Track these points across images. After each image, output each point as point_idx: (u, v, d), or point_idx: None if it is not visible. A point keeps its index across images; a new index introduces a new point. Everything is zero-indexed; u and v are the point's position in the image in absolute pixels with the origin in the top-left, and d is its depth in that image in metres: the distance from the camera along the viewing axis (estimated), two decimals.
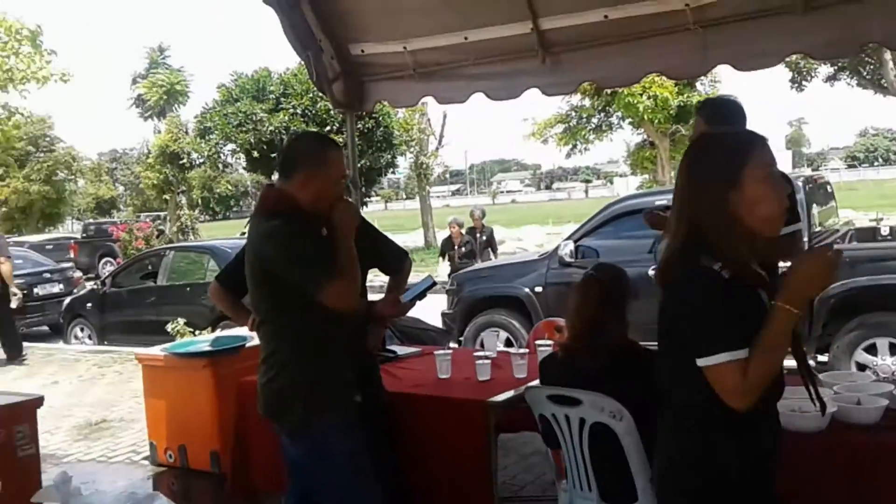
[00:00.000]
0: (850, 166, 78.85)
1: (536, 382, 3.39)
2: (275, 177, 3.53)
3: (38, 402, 4.04)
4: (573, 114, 22.88)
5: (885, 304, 6.03)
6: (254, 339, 5.18)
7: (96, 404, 7.07)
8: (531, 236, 25.78)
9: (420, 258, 21.55)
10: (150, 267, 11.13)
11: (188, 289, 10.27)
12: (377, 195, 36.71)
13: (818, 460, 2.43)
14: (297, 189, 2.82)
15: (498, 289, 7.97)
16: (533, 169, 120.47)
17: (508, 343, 7.58)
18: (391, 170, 30.13)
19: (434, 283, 3.29)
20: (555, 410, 2.91)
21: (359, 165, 26.34)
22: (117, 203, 65.27)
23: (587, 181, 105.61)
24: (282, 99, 25.51)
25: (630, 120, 21.91)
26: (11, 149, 23.67)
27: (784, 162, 43.67)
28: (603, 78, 4.89)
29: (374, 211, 47.70)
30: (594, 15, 4.59)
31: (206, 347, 5.12)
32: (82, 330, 11.16)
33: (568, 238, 7.69)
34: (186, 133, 27.82)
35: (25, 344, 10.93)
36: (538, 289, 7.59)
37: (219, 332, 6.25)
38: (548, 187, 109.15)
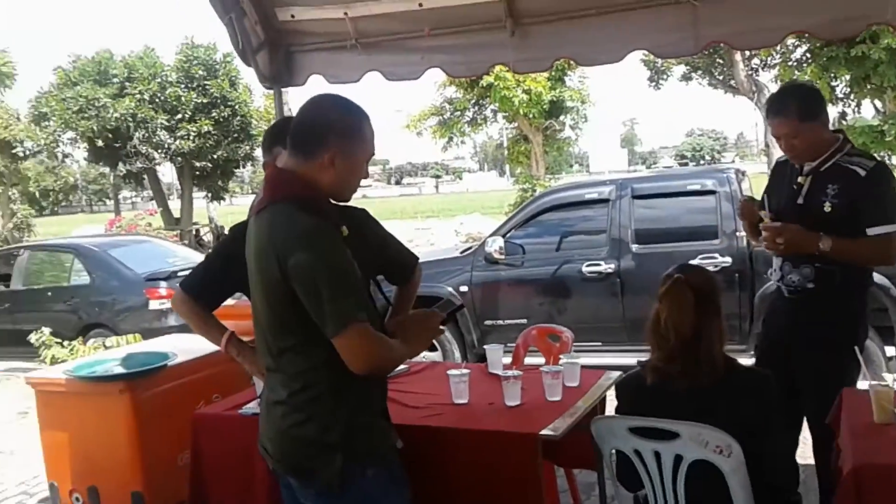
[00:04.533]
0: (680, 164, 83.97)
1: (580, 405, 2.89)
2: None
3: None
4: (447, 106, 22.56)
5: None
6: (178, 357, 4.41)
7: None
8: (398, 231, 25.24)
9: None
10: None
11: (49, 293, 9.01)
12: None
13: None
14: (318, 171, 2.14)
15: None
16: (382, 164, 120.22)
17: (430, 347, 7.03)
18: (249, 161, 28.73)
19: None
20: (638, 445, 2.40)
21: (215, 157, 25.06)
22: None
23: (437, 177, 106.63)
24: (127, 83, 23.65)
25: (505, 114, 21.86)
26: None
27: (620, 160, 45.60)
28: (581, 54, 4.42)
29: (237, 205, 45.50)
30: None
31: (119, 368, 4.23)
32: None
33: (495, 233, 7.22)
34: (18, 119, 25.20)
35: None
36: (463, 288, 7.06)
37: (129, 349, 5.30)
38: (398, 182, 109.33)
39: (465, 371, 3.03)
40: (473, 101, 21.98)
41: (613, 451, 2.48)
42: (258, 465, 2.84)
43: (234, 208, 43.28)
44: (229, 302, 7.69)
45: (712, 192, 6.42)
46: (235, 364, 4.61)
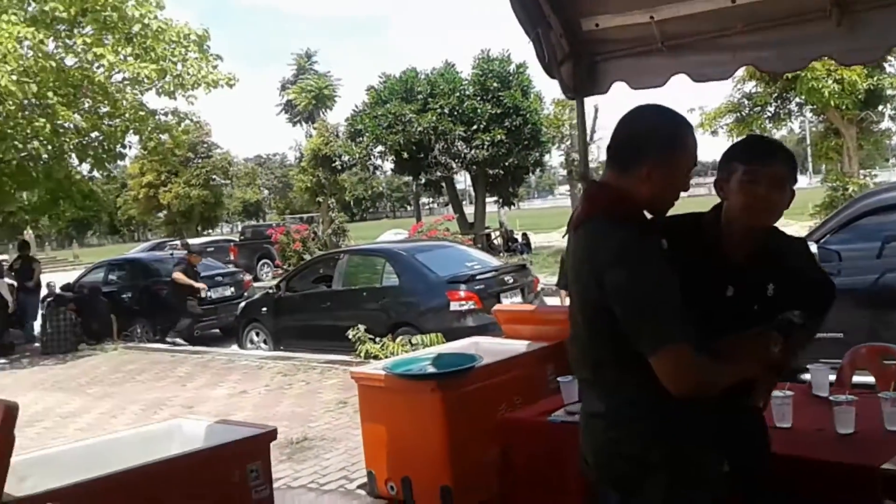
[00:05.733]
0: None
1: None
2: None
3: (272, 434, 3.53)
4: (746, 102, 21.21)
5: None
6: (483, 360, 4.61)
7: (291, 418, 6.67)
8: None
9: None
10: (321, 270, 10.87)
11: (364, 293, 9.88)
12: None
13: None
14: (636, 184, 2.08)
15: None
16: None
17: None
18: (539, 168, 29.40)
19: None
20: None
21: (507, 164, 25.97)
22: (262, 206, 68.00)
23: None
24: (429, 99, 25.32)
25: (812, 106, 20.06)
26: (173, 155, 24.54)
27: None
28: None
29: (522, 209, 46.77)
30: None
31: (431, 368, 4.52)
32: (257, 334, 11.02)
33: (807, 238, 6.64)
34: (337, 136, 28.07)
35: (204, 348, 10.94)
36: None
37: (438, 349, 5.64)
38: None
39: (789, 392, 2.80)
40: (776, 94, 20.43)
41: None
42: (569, 472, 2.86)
43: (522, 212, 44.55)
44: (526, 306, 7.83)
45: None
46: (536, 368, 4.77)
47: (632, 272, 1.97)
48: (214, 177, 40.67)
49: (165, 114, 13.20)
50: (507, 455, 3.32)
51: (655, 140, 2.09)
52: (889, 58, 19.19)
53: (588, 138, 25.28)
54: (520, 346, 5.04)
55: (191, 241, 28.29)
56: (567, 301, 7.42)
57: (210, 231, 43.64)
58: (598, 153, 24.62)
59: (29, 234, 15.89)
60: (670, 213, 2.23)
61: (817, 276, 2.50)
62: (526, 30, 4.72)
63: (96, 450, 3.68)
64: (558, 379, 3.43)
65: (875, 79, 18.87)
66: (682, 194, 2.19)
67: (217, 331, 13.28)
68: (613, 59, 4.82)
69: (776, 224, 2.32)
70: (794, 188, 2.29)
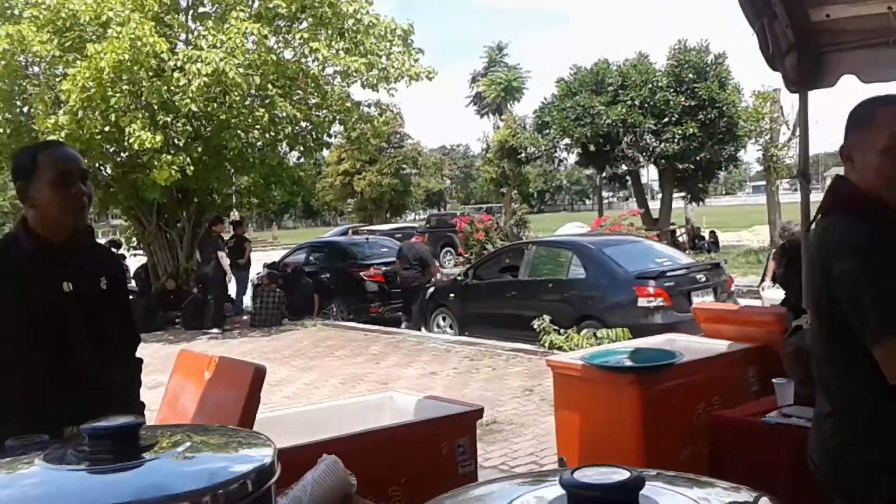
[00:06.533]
0: None
1: None
2: None
3: (479, 413, 3.69)
4: None
5: None
6: (683, 357, 4.55)
7: (480, 401, 6.80)
8: None
9: (758, 259, 20.04)
10: (507, 260, 11.06)
11: (550, 285, 9.96)
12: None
13: None
14: (849, 170, 2.08)
15: None
16: None
17: None
18: (733, 163, 28.10)
19: None
20: None
21: (698, 158, 25.00)
22: (444, 195, 69.72)
23: None
24: (620, 91, 24.87)
25: None
26: (370, 144, 25.91)
27: None
28: None
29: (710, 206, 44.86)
30: None
31: (628, 361, 4.52)
32: (444, 319, 11.40)
33: None
34: (524, 128, 28.25)
35: (395, 330, 11.46)
36: None
37: (635, 343, 5.63)
38: None
39: None
40: None
41: None
42: (782, 474, 2.83)
43: (707, 209, 42.69)
44: (729, 305, 7.58)
45: None
46: (737, 370, 4.65)
47: (864, 265, 1.93)
48: (404, 166, 42.33)
49: (368, 105, 13.87)
50: (717, 453, 3.28)
51: (851, 119, 2.08)
52: None
53: (792, 132, 23.79)
54: (719, 345, 4.92)
55: (380, 227, 29.63)
56: (767, 304, 7.16)
57: (397, 218, 45.47)
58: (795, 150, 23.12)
59: (235, 214, 17.20)
60: None
61: None
62: (750, 20, 4.58)
63: (317, 415, 4.02)
64: (773, 380, 3.35)
65: None
66: None
67: (401, 313, 13.85)
68: (843, 51, 4.59)
69: None
70: None
